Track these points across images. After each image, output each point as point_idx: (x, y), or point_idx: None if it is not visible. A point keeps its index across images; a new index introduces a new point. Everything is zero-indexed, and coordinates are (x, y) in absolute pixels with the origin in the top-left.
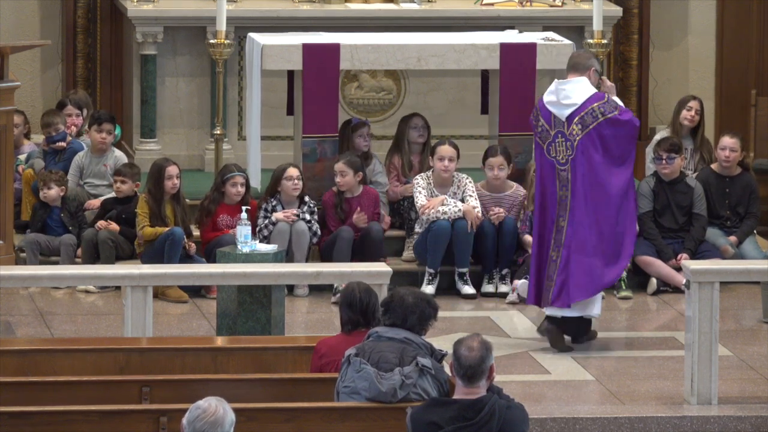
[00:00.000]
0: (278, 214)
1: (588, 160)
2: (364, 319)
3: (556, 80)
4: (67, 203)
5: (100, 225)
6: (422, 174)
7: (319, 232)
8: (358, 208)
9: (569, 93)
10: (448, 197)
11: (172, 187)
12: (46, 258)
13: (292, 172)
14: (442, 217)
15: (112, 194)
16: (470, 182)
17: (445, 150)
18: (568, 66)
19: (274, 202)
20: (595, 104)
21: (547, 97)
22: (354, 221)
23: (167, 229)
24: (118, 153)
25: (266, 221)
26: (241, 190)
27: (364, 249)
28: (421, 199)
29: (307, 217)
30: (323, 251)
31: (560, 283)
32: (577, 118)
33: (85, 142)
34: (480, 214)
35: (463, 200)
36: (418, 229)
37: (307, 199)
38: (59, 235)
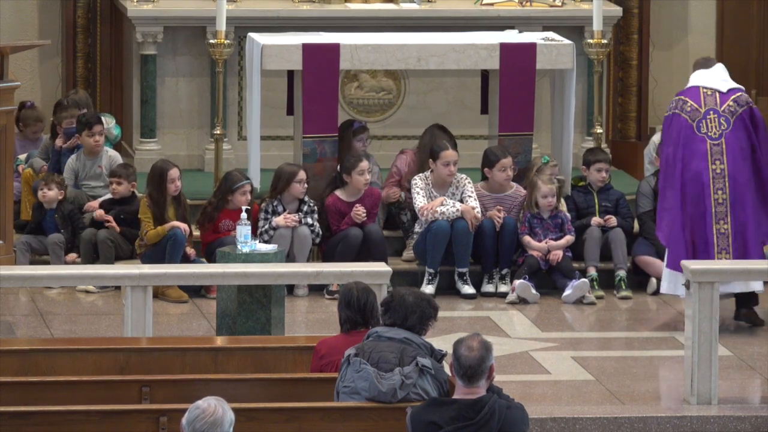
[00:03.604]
0: (279, 219)
1: (745, 132)
2: (363, 318)
3: (720, 64)
4: (62, 205)
5: (98, 214)
6: (420, 174)
7: (320, 232)
8: (357, 205)
9: (727, 77)
10: (447, 198)
11: (174, 189)
12: (40, 257)
13: (303, 174)
14: (440, 218)
15: (109, 195)
16: (469, 182)
17: (451, 155)
18: (701, 65)
19: (276, 203)
20: (744, 94)
21: (702, 77)
22: (352, 215)
23: (169, 225)
24: (112, 153)
25: (266, 225)
26: (249, 197)
27: (367, 251)
28: (419, 200)
29: (309, 220)
30: (326, 251)
31: (737, 249)
32: (734, 96)
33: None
34: (479, 214)
35: (461, 200)
36: (417, 229)
37: (306, 198)
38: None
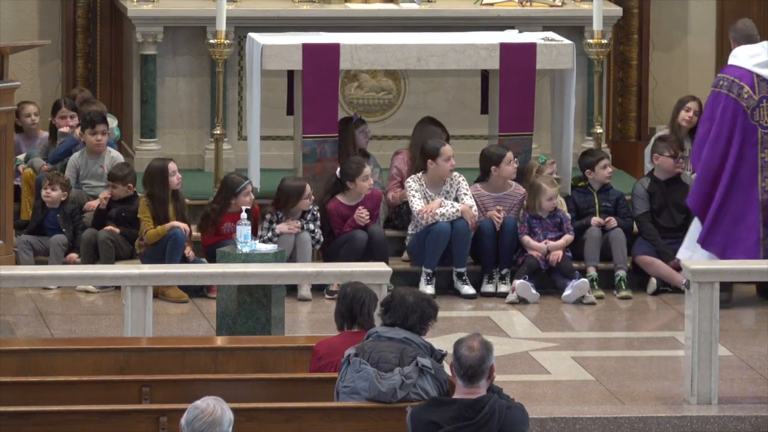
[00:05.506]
0: (282, 227)
1: None
2: (350, 315)
3: (766, 42)
4: (64, 205)
5: (104, 196)
6: (413, 176)
7: (321, 239)
8: (360, 207)
9: None
10: (444, 199)
11: (177, 182)
12: (37, 257)
13: (309, 189)
14: (441, 220)
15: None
16: (463, 180)
17: (450, 149)
18: (744, 35)
19: (280, 214)
20: None
21: (752, 60)
22: (355, 218)
23: (169, 225)
24: (114, 153)
25: (269, 233)
26: (253, 196)
27: (369, 252)
28: (416, 203)
29: (311, 227)
30: (329, 252)
31: None
32: None
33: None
34: (476, 212)
35: (457, 199)
36: (411, 230)
37: (310, 207)
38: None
